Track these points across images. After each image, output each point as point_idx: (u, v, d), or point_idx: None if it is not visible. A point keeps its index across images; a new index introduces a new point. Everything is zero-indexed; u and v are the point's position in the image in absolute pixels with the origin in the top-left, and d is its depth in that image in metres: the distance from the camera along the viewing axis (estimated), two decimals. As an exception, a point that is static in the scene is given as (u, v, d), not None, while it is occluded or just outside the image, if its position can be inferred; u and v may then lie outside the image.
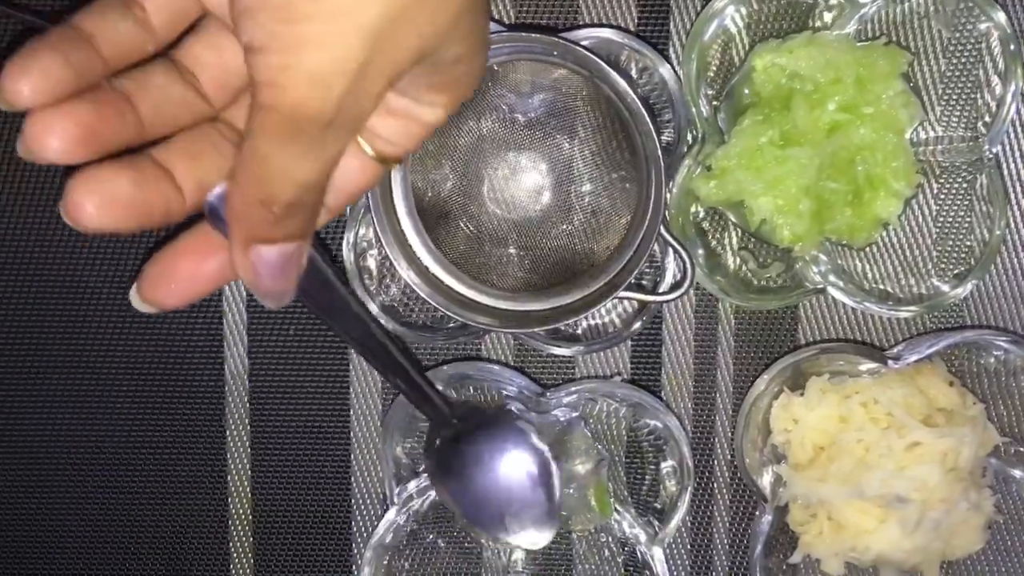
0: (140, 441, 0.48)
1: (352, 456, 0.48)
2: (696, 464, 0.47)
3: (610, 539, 0.47)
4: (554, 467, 0.43)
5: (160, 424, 0.48)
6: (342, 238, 0.44)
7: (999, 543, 0.45)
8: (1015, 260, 0.45)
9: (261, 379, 0.47)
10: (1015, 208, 0.45)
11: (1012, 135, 0.45)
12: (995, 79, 0.43)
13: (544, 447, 0.43)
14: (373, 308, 0.44)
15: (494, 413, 0.44)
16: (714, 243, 0.45)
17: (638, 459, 0.47)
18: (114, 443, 0.48)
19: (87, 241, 0.47)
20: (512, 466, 0.43)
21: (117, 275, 0.47)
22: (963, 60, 0.44)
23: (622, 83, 0.39)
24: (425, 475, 0.46)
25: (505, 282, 0.44)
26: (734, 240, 0.45)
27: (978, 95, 0.44)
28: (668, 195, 0.43)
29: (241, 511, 0.48)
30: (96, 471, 0.48)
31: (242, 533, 0.48)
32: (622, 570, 0.47)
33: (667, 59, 0.44)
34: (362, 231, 0.44)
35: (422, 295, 0.42)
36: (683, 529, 0.47)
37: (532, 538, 0.43)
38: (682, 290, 0.42)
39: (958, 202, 0.44)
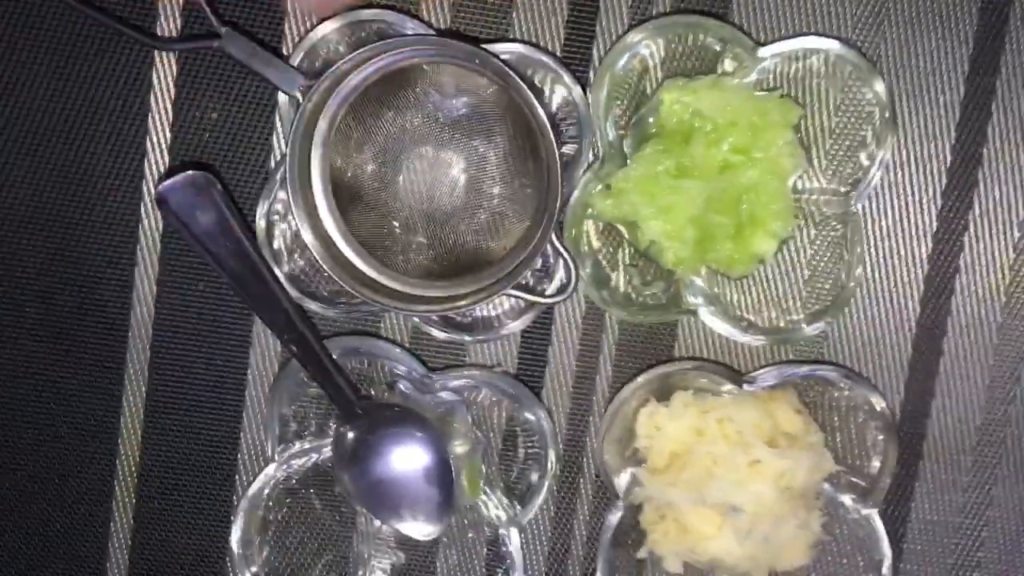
0: (35, 374, 0.49)
1: (244, 412, 0.49)
2: (566, 459, 0.49)
3: (476, 517, 0.49)
4: (452, 467, 0.46)
5: (59, 358, 0.49)
6: (256, 204, 0.46)
7: (825, 561, 0.48)
8: (871, 307, 0.48)
9: (165, 323, 0.49)
10: (872, 260, 0.48)
11: (877, 195, 0.48)
12: (872, 142, 0.46)
13: (444, 448, 0.46)
14: (279, 274, 0.46)
15: (401, 411, 0.46)
16: (604, 258, 0.48)
17: (511, 447, 0.49)
18: (9, 373, 0.49)
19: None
20: (412, 462, 0.46)
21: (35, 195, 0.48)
22: (848, 121, 0.47)
23: (531, 97, 0.42)
24: (310, 437, 0.49)
25: (406, 267, 0.46)
26: (624, 256, 0.48)
27: (859, 155, 0.47)
28: (566, 206, 0.46)
29: (129, 452, 0.49)
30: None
31: (127, 474, 0.50)
32: (485, 547, 0.49)
33: (583, 82, 0.47)
34: (279, 198, 0.46)
35: (324, 268, 0.44)
36: (545, 517, 0.49)
37: (423, 529, 0.46)
38: (564, 295, 0.45)
39: (830, 249, 0.47)
